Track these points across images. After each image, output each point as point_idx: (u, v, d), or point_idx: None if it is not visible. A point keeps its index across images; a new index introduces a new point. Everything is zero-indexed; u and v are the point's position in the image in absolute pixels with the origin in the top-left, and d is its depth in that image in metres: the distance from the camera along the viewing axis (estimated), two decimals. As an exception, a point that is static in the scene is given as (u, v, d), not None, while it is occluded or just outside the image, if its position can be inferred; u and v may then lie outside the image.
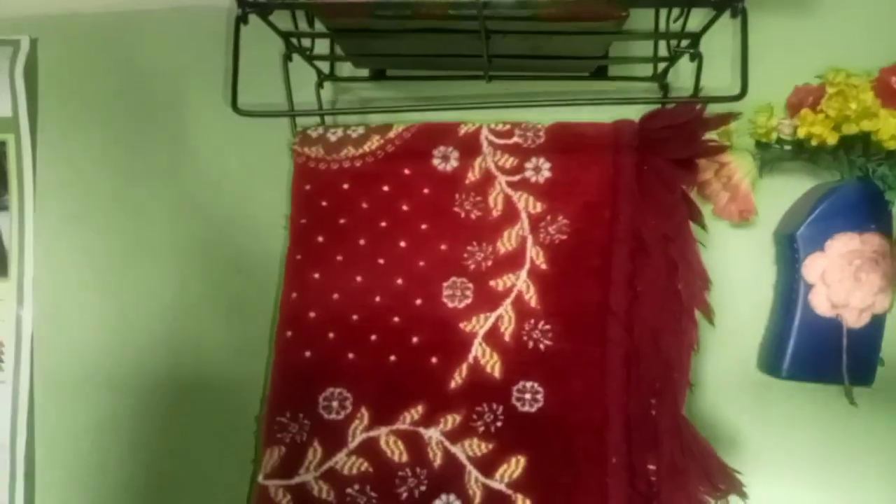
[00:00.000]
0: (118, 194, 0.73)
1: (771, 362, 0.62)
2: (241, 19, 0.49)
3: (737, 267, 0.64)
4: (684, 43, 0.60)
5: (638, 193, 0.56)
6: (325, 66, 0.68)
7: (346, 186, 0.60)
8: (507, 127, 0.60)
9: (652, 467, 0.54)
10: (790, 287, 0.62)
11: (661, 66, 0.65)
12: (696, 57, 0.58)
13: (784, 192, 0.65)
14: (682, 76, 0.66)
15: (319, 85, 0.67)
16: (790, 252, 0.62)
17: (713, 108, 0.59)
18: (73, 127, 0.75)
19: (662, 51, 0.64)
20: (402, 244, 0.59)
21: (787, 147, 0.63)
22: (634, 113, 0.62)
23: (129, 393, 0.70)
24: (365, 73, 0.70)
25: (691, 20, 0.58)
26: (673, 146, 0.56)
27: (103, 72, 0.75)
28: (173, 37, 0.74)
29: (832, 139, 0.58)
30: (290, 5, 0.52)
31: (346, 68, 0.69)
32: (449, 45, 0.61)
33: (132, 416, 0.70)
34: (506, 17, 0.54)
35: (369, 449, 0.56)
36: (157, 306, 0.71)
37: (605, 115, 0.63)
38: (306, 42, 0.63)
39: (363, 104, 0.70)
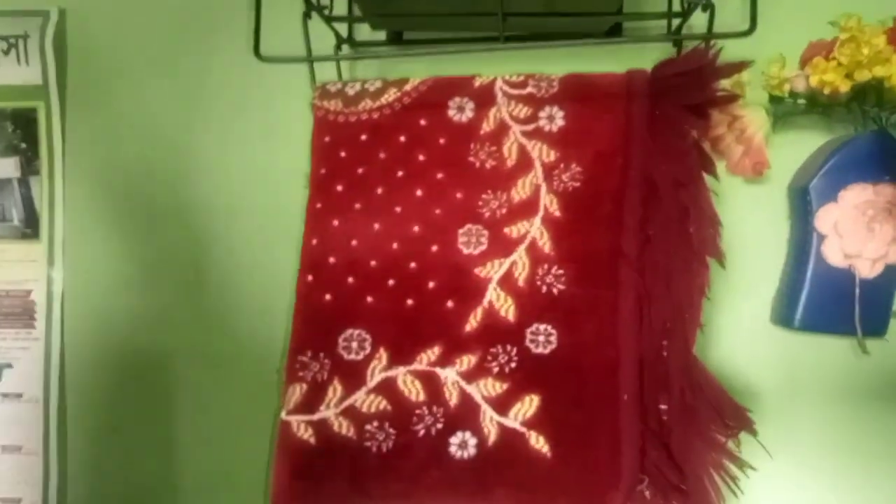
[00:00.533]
0: (144, 158, 0.76)
1: (784, 313, 0.63)
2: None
3: (751, 222, 0.65)
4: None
5: (649, 140, 0.57)
6: (343, 30, 0.69)
7: (364, 137, 0.61)
8: (522, 78, 0.61)
9: (664, 407, 0.55)
10: (803, 239, 0.63)
11: (676, 23, 0.66)
12: (708, 7, 0.59)
13: (798, 147, 0.65)
14: (694, 30, 0.66)
15: (338, 47, 0.69)
16: (803, 204, 0.63)
17: (726, 57, 0.59)
18: (101, 93, 0.77)
19: (676, 7, 0.64)
20: (419, 193, 0.60)
21: (801, 101, 0.63)
22: (650, 63, 0.62)
23: (155, 352, 0.73)
24: (382, 36, 0.71)
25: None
26: (684, 93, 0.57)
27: (129, 37, 0.77)
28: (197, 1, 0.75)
29: (844, 87, 0.59)
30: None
31: (363, 32, 0.71)
32: (465, 2, 0.62)
33: (158, 374, 0.72)
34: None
35: (387, 388, 0.58)
36: (180, 267, 0.73)
37: (620, 67, 0.63)
38: (325, 1, 0.64)
39: (381, 66, 0.72)
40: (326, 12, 0.65)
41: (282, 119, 0.70)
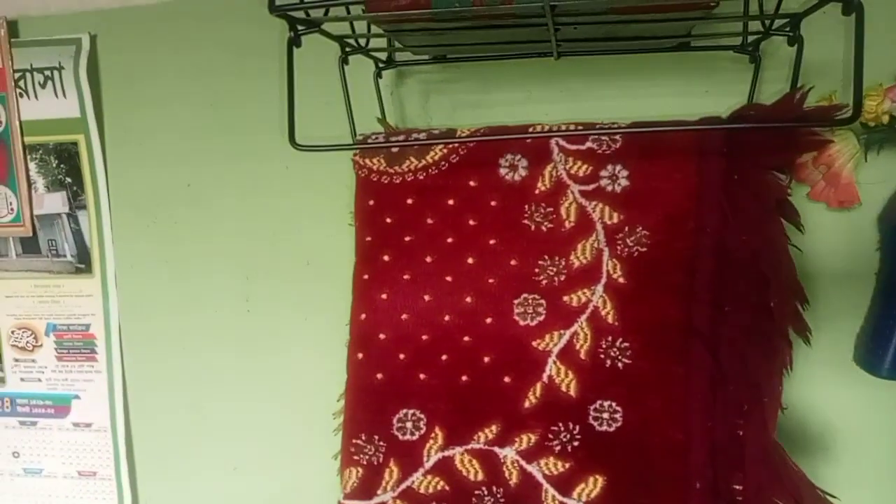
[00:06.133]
0: (188, 186, 0.74)
1: (870, 359, 0.58)
2: (294, 42, 0.46)
3: (833, 249, 0.59)
4: (779, 22, 0.52)
5: (726, 204, 0.51)
6: (381, 54, 0.64)
7: (410, 201, 0.57)
8: (580, 130, 0.55)
9: (738, 487, 0.52)
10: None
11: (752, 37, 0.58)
12: (796, 41, 0.51)
13: (893, 171, 0.58)
14: (775, 42, 0.58)
15: (378, 75, 0.64)
16: (898, 244, 0.57)
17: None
18: (140, 121, 0.75)
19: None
20: (470, 260, 0.57)
21: (899, 126, 0.56)
22: (721, 79, 0.57)
23: (211, 379, 0.74)
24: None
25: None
26: (767, 151, 0.50)
27: (165, 62, 0.74)
28: (231, 21, 0.71)
29: (956, 128, 0.51)
30: (343, 19, 0.48)
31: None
32: (514, 35, 0.56)
33: (216, 399, 0.74)
34: (576, 13, 0.49)
35: (445, 468, 0.56)
36: (231, 297, 0.73)
37: (687, 82, 0.59)
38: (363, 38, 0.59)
39: (425, 88, 0.66)
40: (365, 47, 0.60)
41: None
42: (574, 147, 0.55)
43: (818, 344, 0.58)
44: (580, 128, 0.53)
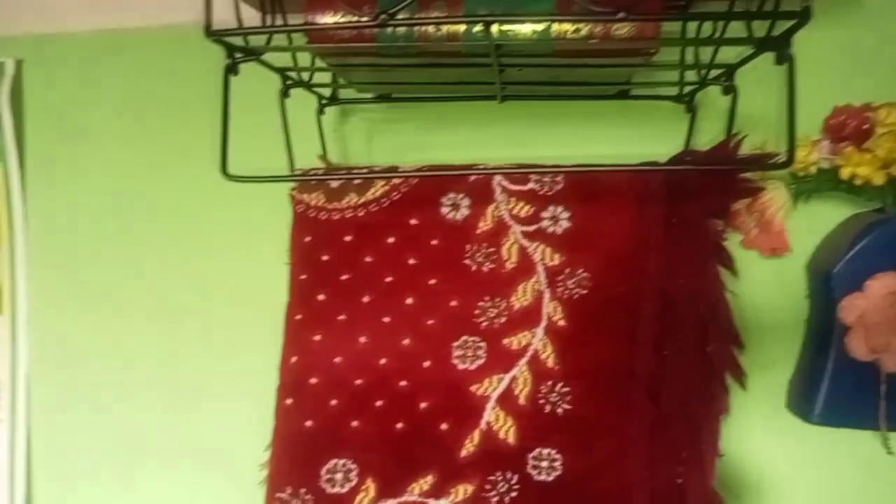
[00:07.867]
0: (112, 224, 0.70)
1: (801, 405, 0.58)
2: (231, 70, 0.44)
3: (766, 297, 0.60)
4: (715, 72, 0.54)
5: (665, 247, 0.51)
6: (325, 90, 0.63)
7: (348, 239, 0.55)
8: (522, 171, 0.55)
9: (678, 537, 0.51)
10: (824, 327, 0.58)
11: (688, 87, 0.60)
12: (731, 91, 0.52)
13: (820, 221, 0.60)
14: (710, 94, 0.60)
15: (320, 111, 0.63)
16: (825, 290, 0.58)
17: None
18: (65, 153, 0.71)
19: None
20: (409, 301, 0.55)
21: (826, 176, 0.58)
22: (660, 125, 0.58)
23: (129, 435, 0.68)
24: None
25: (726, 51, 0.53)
26: (704, 196, 0.51)
27: (96, 93, 0.71)
28: (163, 54, 0.69)
29: (879, 180, 0.54)
30: (285, 49, 0.47)
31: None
32: (459, 75, 0.56)
33: (134, 458, 0.67)
34: (522, 55, 0.49)
35: None
36: (156, 343, 0.68)
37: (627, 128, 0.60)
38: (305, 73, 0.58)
39: (369, 127, 0.65)
40: (308, 82, 0.59)
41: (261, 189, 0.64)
42: (516, 187, 0.54)
43: (752, 390, 0.58)
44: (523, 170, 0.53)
